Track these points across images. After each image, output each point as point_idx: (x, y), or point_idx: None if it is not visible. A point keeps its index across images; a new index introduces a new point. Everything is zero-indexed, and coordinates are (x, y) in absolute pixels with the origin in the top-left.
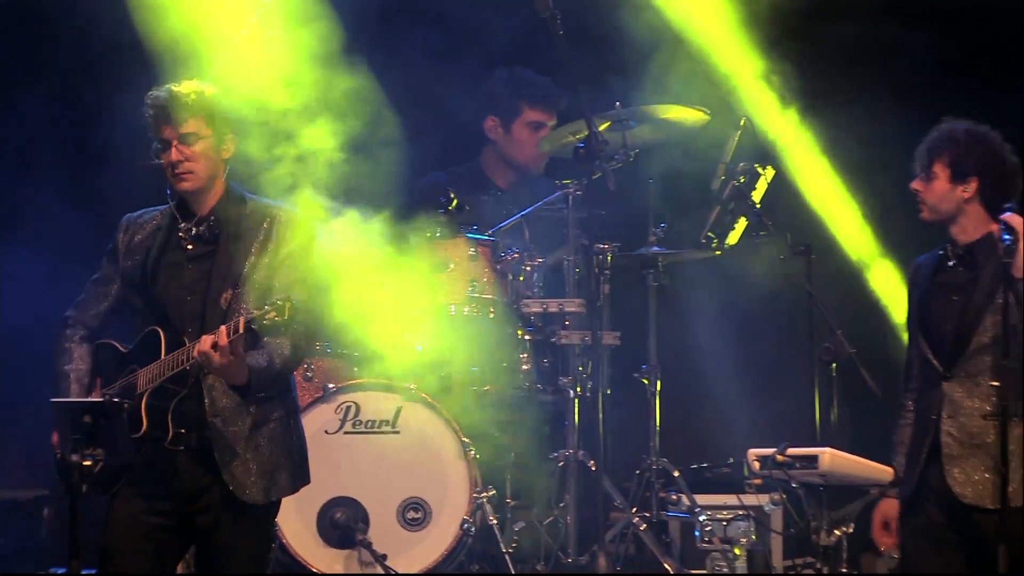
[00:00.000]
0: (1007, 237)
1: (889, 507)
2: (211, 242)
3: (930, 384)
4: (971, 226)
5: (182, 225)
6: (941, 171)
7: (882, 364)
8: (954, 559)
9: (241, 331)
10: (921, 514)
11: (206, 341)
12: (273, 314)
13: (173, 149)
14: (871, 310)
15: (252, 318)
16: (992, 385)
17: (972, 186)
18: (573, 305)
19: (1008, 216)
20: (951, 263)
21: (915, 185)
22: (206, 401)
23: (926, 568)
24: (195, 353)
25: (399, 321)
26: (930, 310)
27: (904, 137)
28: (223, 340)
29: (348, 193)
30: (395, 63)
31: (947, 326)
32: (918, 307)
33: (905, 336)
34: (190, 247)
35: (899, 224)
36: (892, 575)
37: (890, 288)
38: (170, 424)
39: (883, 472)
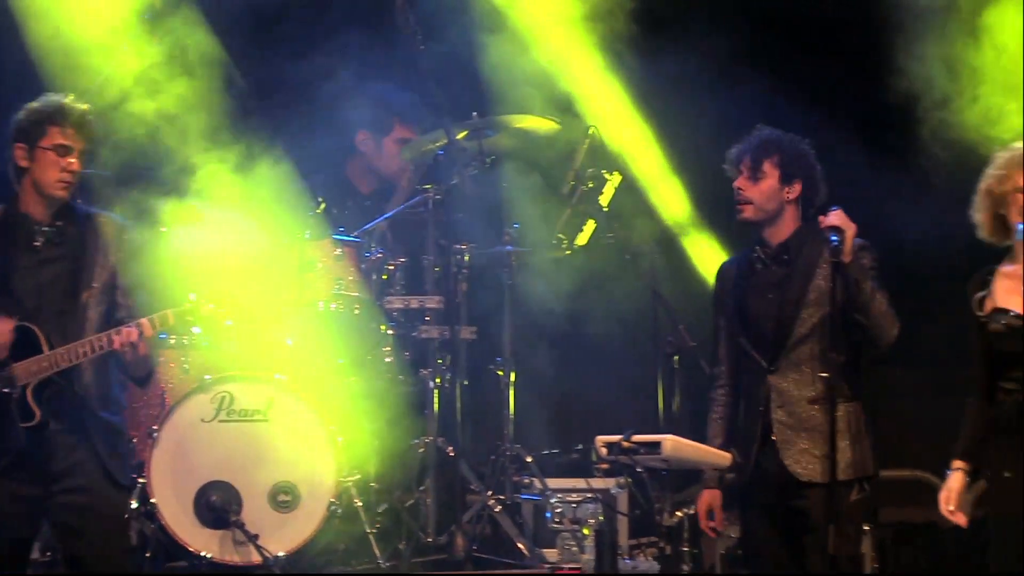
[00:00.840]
0: (835, 238)
1: (712, 496)
2: (61, 245)
3: (755, 377)
4: (785, 227)
5: (36, 227)
6: (771, 171)
7: None
8: (789, 536)
9: (171, 322)
10: (758, 497)
11: (131, 333)
12: (211, 306)
13: (74, 160)
14: (709, 305)
15: (179, 311)
16: (818, 374)
17: (796, 188)
18: (432, 302)
19: (833, 216)
20: (762, 263)
21: (740, 184)
22: (81, 388)
23: (765, 546)
24: (118, 344)
25: (271, 317)
26: (748, 309)
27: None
28: (148, 331)
29: (225, 199)
30: (270, 77)
31: (767, 323)
32: (735, 307)
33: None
34: (43, 248)
35: (735, 227)
36: (730, 554)
37: None
38: (48, 411)
39: (721, 457)
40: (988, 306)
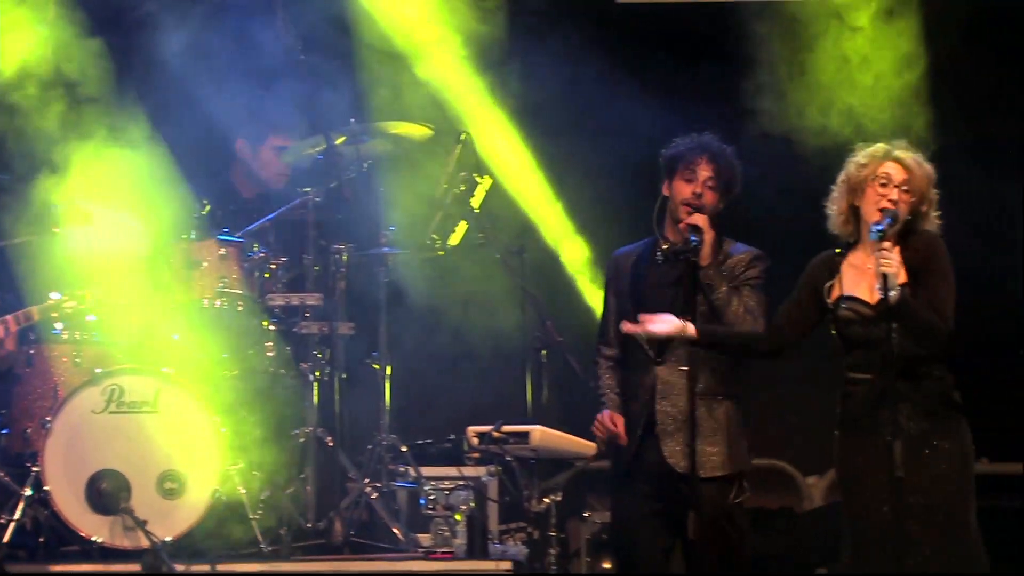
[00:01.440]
0: (694, 238)
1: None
2: None
3: (643, 368)
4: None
5: None
6: (723, 185)
7: (586, 351)
8: (661, 528)
9: (35, 319)
10: (635, 487)
11: None
12: (72, 303)
13: None
14: (576, 303)
15: (43, 307)
16: (703, 370)
17: (726, 199)
18: (312, 299)
19: (693, 218)
20: (664, 258)
21: (697, 188)
22: None
23: (639, 536)
24: None
25: (159, 313)
26: (644, 301)
27: (612, 152)
28: (12, 327)
29: (115, 203)
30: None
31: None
32: (631, 297)
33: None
34: None
35: (602, 228)
36: (595, 539)
37: (591, 282)
38: None
39: (586, 447)
40: (835, 293)
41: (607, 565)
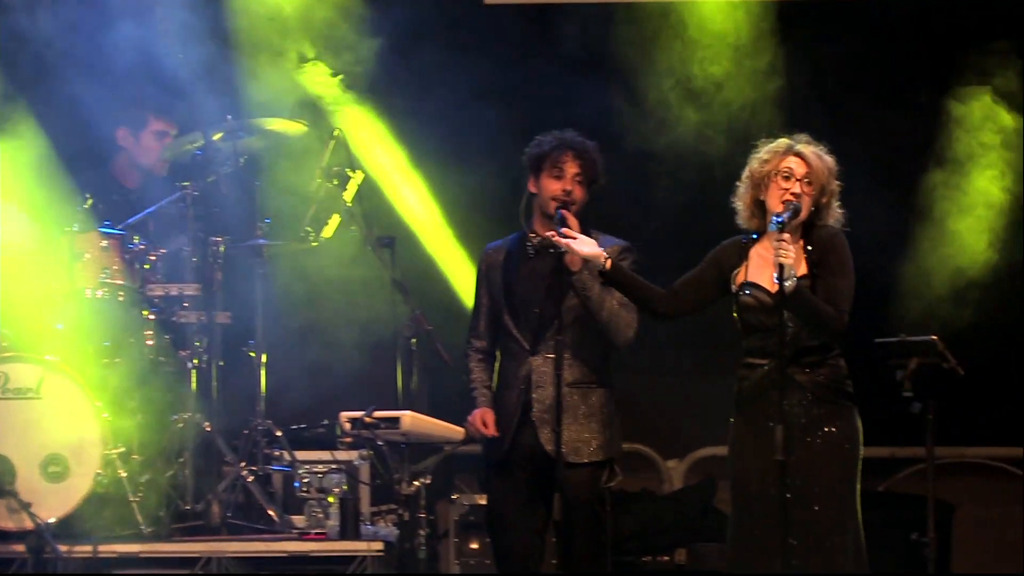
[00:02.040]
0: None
1: (485, 411)
2: None
3: (517, 358)
4: (573, 224)
5: None
6: (589, 179)
7: (454, 338)
8: (535, 513)
9: None
10: (510, 474)
11: None
12: None
13: None
14: (445, 292)
15: None
16: (576, 359)
17: (588, 195)
18: (191, 289)
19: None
20: (535, 251)
21: (566, 186)
22: None
23: (512, 521)
24: None
25: (43, 303)
26: (516, 293)
27: (485, 145)
28: None
29: None
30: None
31: (533, 308)
32: (503, 290)
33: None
34: None
35: (470, 220)
36: (463, 520)
37: (459, 273)
38: None
39: (455, 431)
40: (740, 278)
41: (475, 546)
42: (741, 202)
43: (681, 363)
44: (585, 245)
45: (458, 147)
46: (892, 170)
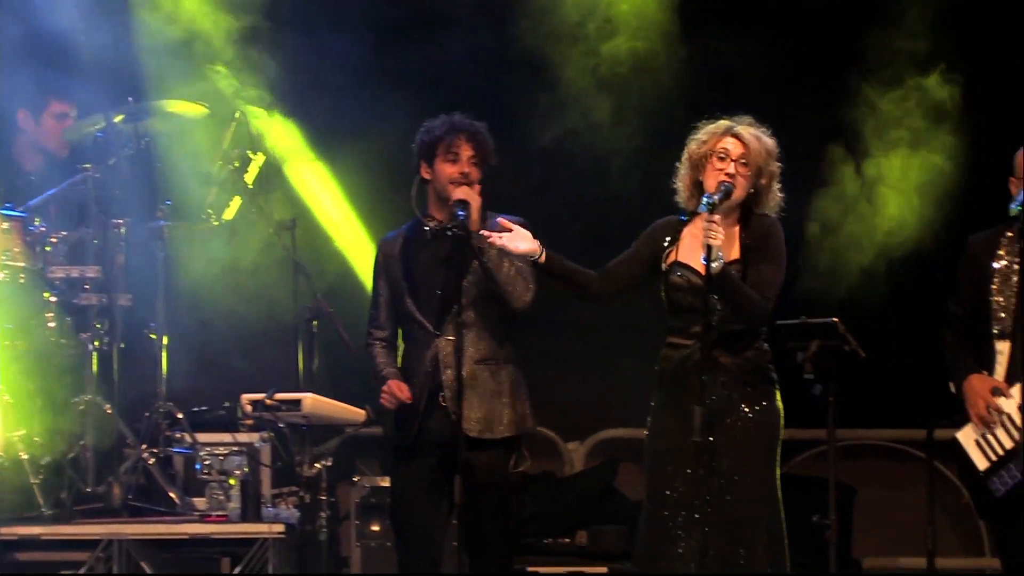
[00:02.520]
0: (461, 212)
1: (399, 385)
2: None
3: (422, 342)
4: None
5: None
6: (484, 160)
7: (355, 321)
8: (443, 498)
9: None
10: (418, 460)
11: None
12: None
13: None
14: (346, 275)
15: None
16: (482, 337)
17: (482, 172)
18: (92, 271)
19: (460, 191)
20: (433, 235)
21: (464, 168)
22: None
23: (418, 503)
24: None
25: None
26: (417, 278)
27: (379, 129)
28: None
29: None
30: None
31: (435, 290)
32: (404, 276)
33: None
34: None
35: (371, 203)
36: (364, 502)
37: (361, 257)
38: None
39: (356, 413)
40: (671, 258)
41: (376, 528)
42: (681, 183)
43: (581, 346)
44: (521, 241)
45: (360, 131)
46: (801, 152)
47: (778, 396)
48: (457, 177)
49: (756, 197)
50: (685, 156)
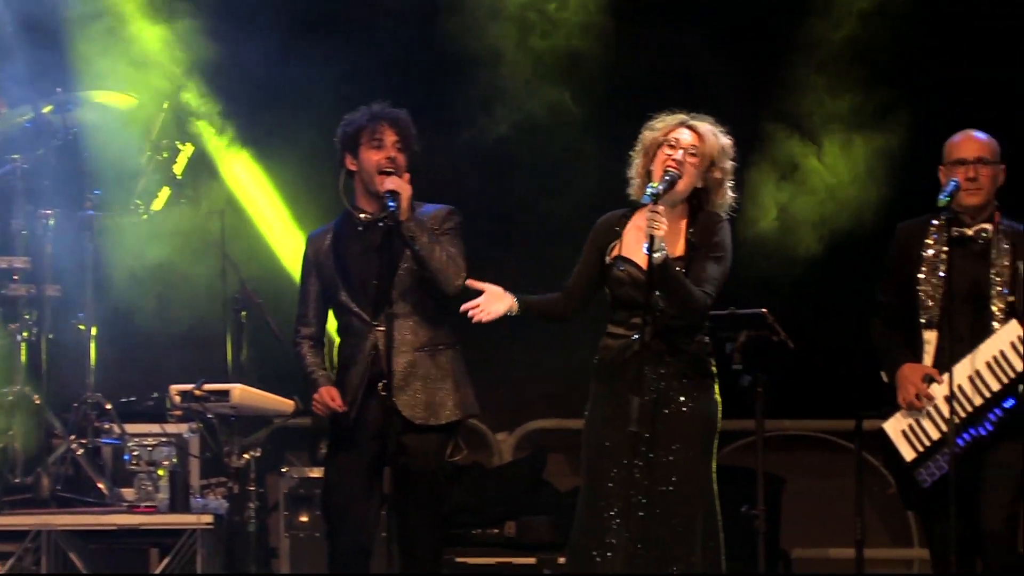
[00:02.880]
0: (392, 203)
1: (329, 390)
2: None
3: (359, 334)
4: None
5: None
6: (408, 146)
7: (284, 311)
8: (377, 489)
9: None
10: (355, 450)
11: None
12: None
13: None
14: (274, 266)
15: None
16: (419, 323)
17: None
18: (20, 262)
19: (389, 181)
20: (364, 227)
21: (391, 155)
22: None
23: (355, 494)
24: None
25: None
26: (351, 270)
27: (310, 121)
28: None
29: None
30: None
31: (371, 281)
32: (337, 270)
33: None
34: None
35: (299, 194)
36: (292, 493)
37: (289, 248)
38: None
39: (284, 404)
40: (615, 252)
41: (304, 519)
42: (633, 172)
43: (508, 335)
44: (498, 303)
45: (289, 122)
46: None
47: (716, 389)
48: (384, 163)
49: (706, 194)
50: (639, 145)
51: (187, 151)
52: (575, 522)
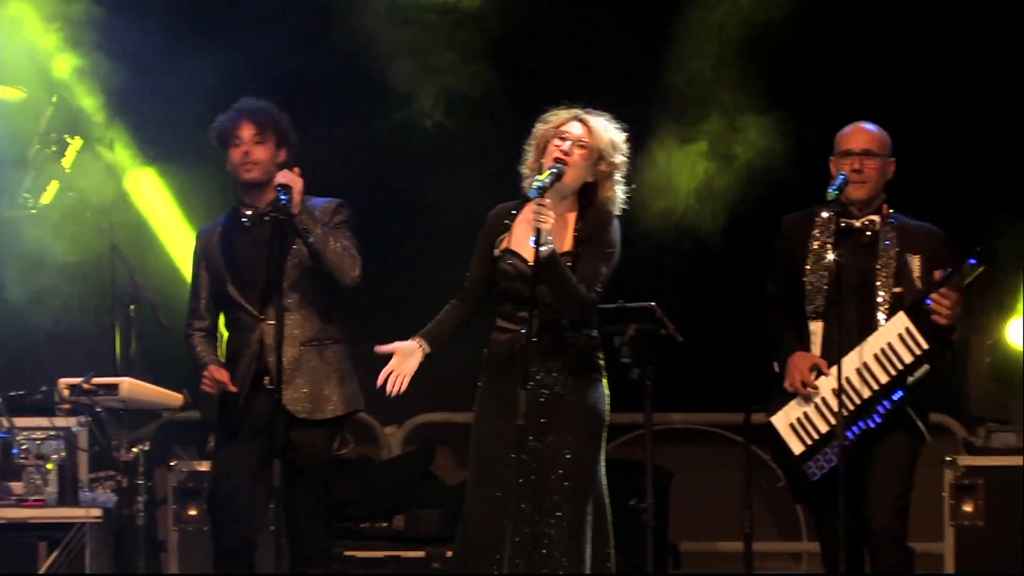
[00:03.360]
0: (283, 197)
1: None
2: None
3: (247, 327)
4: (271, 189)
5: None
6: (270, 137)
7: (173, 305)
8: (264, 482)
9: None
10: (241, 443)
11: None
12: None
13: None
14: (163, 259)
15: None
16: (307, 318)
17: (283, 153)
18: None
19: (281, 175)
20: (252, 222)
21: (247, 148)
22: None
23: (241, 484)
24: None
25: None
26: (239, 264)
27: (206, 115)
28: None
29: None
30: None
31: (259, 275)
32: (226, 265)
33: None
34: None
35: (188, 188)
36: (181, 487)
37: (179, 242)
38: None
39: (173, 398)
40: (503, 245)
41: (193, 512)
42: (526, 166)
43: (397, 329)
44: (410, 358)
45: (177, 114)
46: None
47: (605, 383)
48: (238, 159)
49: (593, 188)
50: (532, 139)
51: (76, 144)
52: (463, 515)
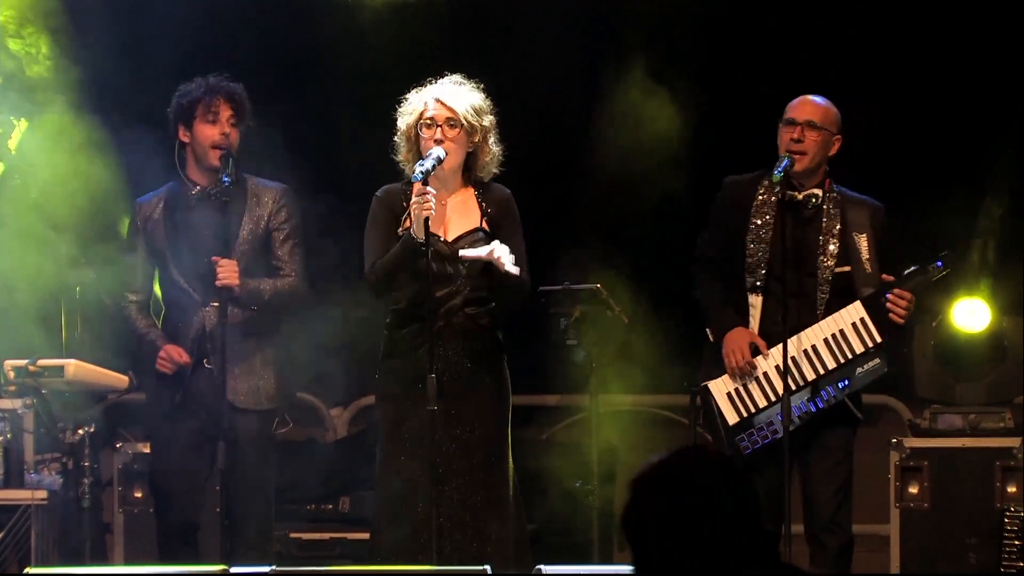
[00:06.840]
0: (227, 179)
1: (172, 348)
2: None
3: (188, 310)
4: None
5: None
6: (242, 122)
7: (119, 286)
8: (204, 463)
9: None
10: (181, 424)
11: None
12: None
13: None
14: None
15: None
16: (250, 305)
17: (237, 133)
18: None
19: (223, 277)
20: (197, 201)
21: (225, 129)
22: None
23: (176, 471)
24: None
25: None
26: (182, 244)
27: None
28: None
29: None
30: None
31: (203, 258)
32: (166, 241)
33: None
34: None
35: (137, 168)
36: (126, 468)
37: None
38: None
39: (119, 380)
40: (404, 226)
41: (138, 494)
42: (402, 159)
43: (343, 312)
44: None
45: (125, 94)
46: (557, 117)
47: (505, 362)
48: (218, 139)
49: (474, 156)
50: (398, 135)
51: (22, 127)
52: (376, 500)
